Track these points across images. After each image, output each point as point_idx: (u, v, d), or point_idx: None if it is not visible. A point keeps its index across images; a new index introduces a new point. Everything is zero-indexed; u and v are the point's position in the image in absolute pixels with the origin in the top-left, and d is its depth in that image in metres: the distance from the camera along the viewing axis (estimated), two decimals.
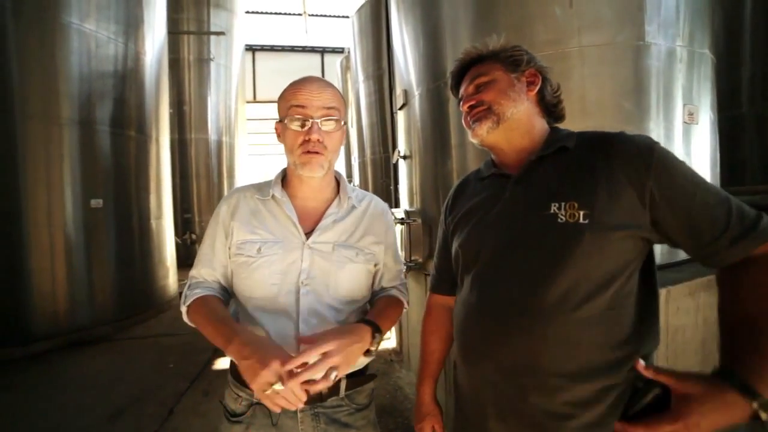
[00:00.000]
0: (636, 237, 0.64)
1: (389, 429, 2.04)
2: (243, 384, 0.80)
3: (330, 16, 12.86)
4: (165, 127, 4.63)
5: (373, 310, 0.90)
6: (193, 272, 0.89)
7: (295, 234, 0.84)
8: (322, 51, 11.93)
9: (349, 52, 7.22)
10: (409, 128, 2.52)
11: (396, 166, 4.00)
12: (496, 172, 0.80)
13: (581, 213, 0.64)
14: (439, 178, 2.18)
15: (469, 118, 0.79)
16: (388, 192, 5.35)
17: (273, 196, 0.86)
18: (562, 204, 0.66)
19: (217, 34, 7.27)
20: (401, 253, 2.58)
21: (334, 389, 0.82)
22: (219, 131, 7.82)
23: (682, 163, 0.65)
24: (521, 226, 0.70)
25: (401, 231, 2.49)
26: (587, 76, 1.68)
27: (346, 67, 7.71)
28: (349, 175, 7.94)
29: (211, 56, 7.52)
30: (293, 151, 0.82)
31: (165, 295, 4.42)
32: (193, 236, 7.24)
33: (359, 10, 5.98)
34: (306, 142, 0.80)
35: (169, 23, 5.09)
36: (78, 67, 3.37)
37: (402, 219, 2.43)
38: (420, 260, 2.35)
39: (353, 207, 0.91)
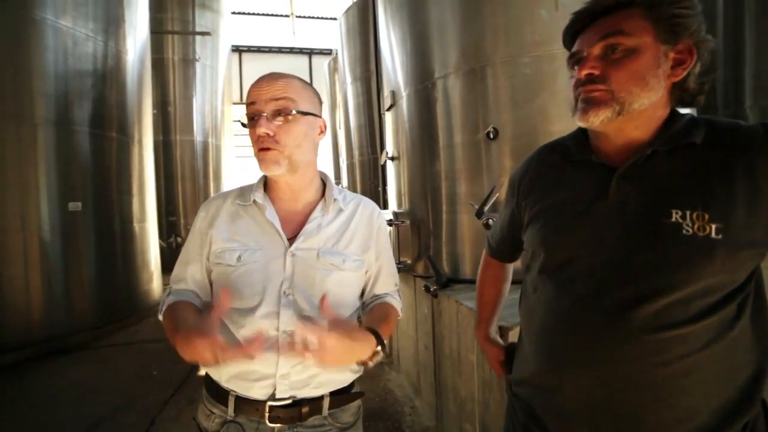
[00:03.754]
0: (764, 252, 0.56)
1: None
2: (217, 400, 0.78)
3: (317, 17, 12.83)
4: (148, 128, 4.52)
5: (372, 320, 0.83)
6: (171, 280, 0.87)
7: (277, 240, 0.79)
8: (310, 52, 11.89)
9: (336, 53, 7.21)
10: (396, 129, 2.52)
11: (384, 167, 3.99)
12: (594, 159, 0.65)
13: (713, 226, 0.53)
14: (427, 179, 2.18)
15: (580, 94, 0.61)
16: (376, 193, 5.34)
17: (254, 201, 0.82)
18: (688, 213, 0.54)
19: (203, 34, 7.16)
20: None
21: (316, 408, 0.77)
22: (205, 133, 7.70)
23: None
24: (633, 234, 0.58)
25: (390, 232, 2.48)
26: None
27: (333, 69, 7.69)
28: (338, 177, 7.90)
29: (197, 57, 7.40)
30: (254, 148, 0.77)
31: (149, 300, 4.30)
32: (179, 239, 7.07)
33: (347, 11, 5.97)
34: (258, 139, 0.75)
35: (153, 22, 4.98)
36: (53, 65, 3.25)
37: (390, 220, 2.42)
38: (409, 262, 2.34)
39: (340, 210, 0.85)
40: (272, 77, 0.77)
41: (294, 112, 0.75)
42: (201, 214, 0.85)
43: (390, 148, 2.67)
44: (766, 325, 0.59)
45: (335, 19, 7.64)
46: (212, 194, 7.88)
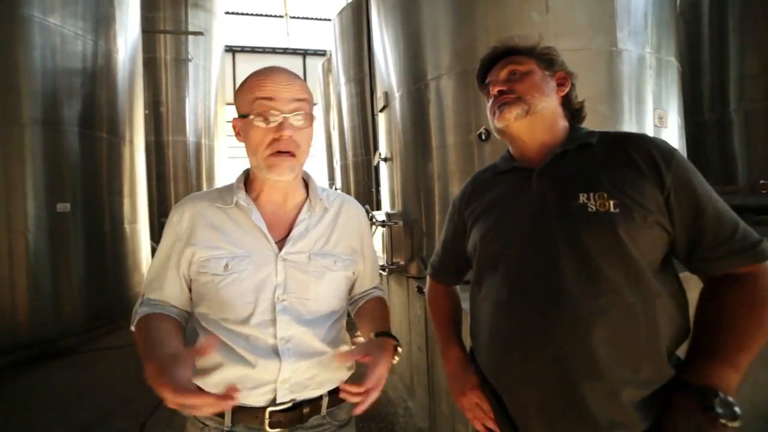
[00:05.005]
0: (660, 226, 0.66)
1: None
2: (210, 412, 0.76)
3: (311, 18, 12.80)
4: (139, 128, 4.47)
5: (374, 318, 0.85)
6: (143, 289, 0.80)
7: (266, 245, 0.75)
8: (304, 53, 11.85)
9: (330, 54, 7.20)
10: (389, 130, 2.52)
11: (377, 168, 3.99)
12: (517, 165, 0.80)
13: (611, 202, 0.65)
14: (420, 180, 2.18)
15: (496, 103, 0.79)
16: (369, 194, 5.34)
17: (237, 204, 0.77)
18: (591, 195, 0.67)
19: (196, 34, 7.11)
20: (382, 256, 2.57)
21: (315, 408, 0.77)
22: (197, 133, 7.62)
23: (698, 173, 0.69)
24: (550, 218, 0.70)
25: (383, 234, 2.48)
26: None
27: (327, 70, 7.68)
28: (331, 178, 7.88)
29: (189, 57, 7.33)
30: (258, 152, 0.72)
31: None
32: None
33: (340, 12, 5.97)
34: (275, 141, 0.71)
35: (144, 22, 4.93)
36: (41, 64, 3.20)
37: (383, 221, 2.42)
38: (402, 263, 2.34)
39: (325, 209, 0.83)
40: (289, 75, 0.73)
41: (313, 118, 0.76)
42: (173, 218, 0.77)
43: (383, 149, 2.67)
44: (683, 307, 0.68)
45: (329, 20, 7.64)
46: None
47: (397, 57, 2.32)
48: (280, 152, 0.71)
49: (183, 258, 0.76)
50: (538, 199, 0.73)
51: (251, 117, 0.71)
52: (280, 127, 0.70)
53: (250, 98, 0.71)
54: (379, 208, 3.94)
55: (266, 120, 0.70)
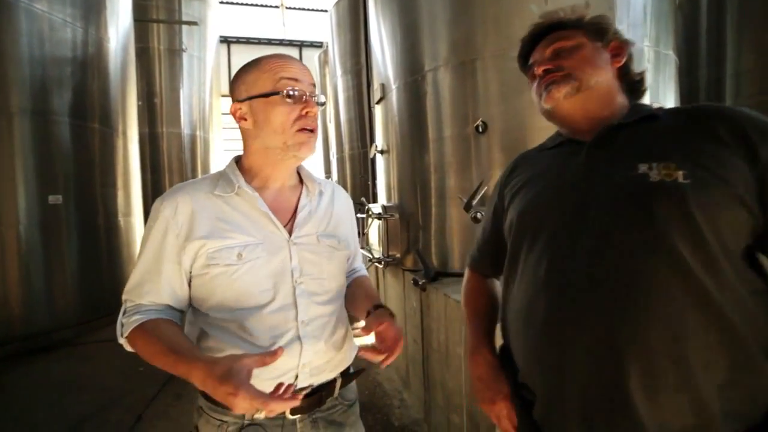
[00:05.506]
0: (745, 207, 0.54)
1: (368, 425, 2.03)
2: (228, 407, 0.75)
3: (308, 9, 12.63)
4: (133, 119, 4.41)
5: (369, 295, 0.89)
6: (127, 295, 0.74)
7: (275, 231, 0.75)
8: (300, 45, 11.71)
9: (327, 46, 7.11)
10: (386, 123, 2.50)
11: (374, 161, 3.98)
12: (567, 138, 0.72)
13: (681, 173, 0.55)
14: (417, 172, 2.17)
15: (542, 83, 0.70)
16: (366, 187, 5.32)
17: (238, 191, 0.75)
18: (654, 164, 0.57)
19: (190, 23, 6.98)
20: (378, 248, 2.56)
21: (330, 391, 0.80)
22: (192, 125, 7.53)
23: None
24: (601, 191, 0.60)
25: (379, 226, 2.48)
26: None
27: (324, 62, 7.60)
28: (328, 171, 7.85)
29: (184, 47, 7.21)
30: (286, 129, 0.71)
31: None
32: None
33: (337, 3, 5.89)
34: (301, 117, 0.72)
35: (137, 10, 4.83)
36: (29, 52, 3.11)
37: (379, 214, 2.42)
38: (398, 255, 2.35)
39: (321, 194, 0.86)
40: (301, 63, 0.76)
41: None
42: (165, 212, 0.72)
43: (379, 141, 2.65)
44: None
45: (326, 11, 7.53)
46: None
47: (394, 48, 2.29)
48: (305, 129, 0.73)
49: (185, 253, 0.72)
50: (587, 171, 0.64)
51: (281, 94, 0.71)
52: (307, 104, 0.72)
53: (274, 78, 0.72)
54: (375, 200, 3.94)
55: (293, 98, 0.72)
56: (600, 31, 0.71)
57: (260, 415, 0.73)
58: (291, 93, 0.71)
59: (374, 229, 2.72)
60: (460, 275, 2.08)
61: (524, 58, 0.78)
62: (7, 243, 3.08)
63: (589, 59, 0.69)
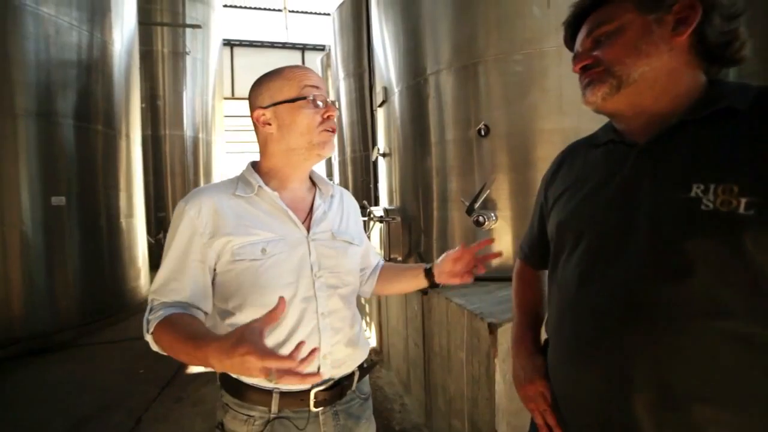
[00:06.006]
0: None
1: None
2: (255, 403, 0.77)
3: (310, 12, 12.70)
4: (136, 121, 4.43)
5: (408, 267, 1.01)
6: (153, 294, 0.76)
7: (294, 229, 0.81)
8: (303, 48, 11.76)
9: (329, 49, 7.14)
10: (388, 126, 2.50)
11: (376, 164, 3.97)
12: (615, 138, 0.62)
13: (743, 201, 0.45)
14: (419, 175, 2.17)
15: (582, 82, 0.62)
16: (368, 190, 5.32)
17: (258, 191, 0.80)
18: (711, 186, 0.47)
19: (193, 26, 7.03)
20: (380, 251, 2.56)
21: (349, 384, 0.84)
22: (195, 127, 7.58)
23: None
24: (643, 209, 0.53)
25: (380, 229, 2.47)
26: (564, 75, 1.71)
27: (326, 65, 7.62)
28: (330, 174, 7.86)
29: (187, 50, 7.27)
30: (311, 130, 0.79)
31: (136, 296, 4.24)
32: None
33: (340, 6, 5.92)
34: (325, 120, 0.80)
35: (141, 13, 4.87)
36: (35, 54, 3.14)
37: (381, 217, 2.41)
38: (399, 259, 2.34)
39: (332, 195, 0.92)
40: (317, 73, 0.85)
41: None
42: (190, 212, 0.75)
43: (382, 144, 2.65)
44: None
45: (328, 14, 7.58)
46: None
47: (397, 52, 2.30)
48: (327, 130, 0.80)
49: (211, 249, 0.75)
50: (632, 184, 0.55)
51: (308, 99, 0.78)
52: (328, 108, 0.80)
53: (298, 85, 0.79)
54: (377, 203, 3.93)
55: (315, 103, 0.79)
56: None
57: (284, 413, 0.77)
58: (315, 98, 0.79)
59: (376, 232, 2.71)
60: None
61: (572, 41, 0.67)
62: (9, 244, 3.09)
63: (633, 45, 0.55)
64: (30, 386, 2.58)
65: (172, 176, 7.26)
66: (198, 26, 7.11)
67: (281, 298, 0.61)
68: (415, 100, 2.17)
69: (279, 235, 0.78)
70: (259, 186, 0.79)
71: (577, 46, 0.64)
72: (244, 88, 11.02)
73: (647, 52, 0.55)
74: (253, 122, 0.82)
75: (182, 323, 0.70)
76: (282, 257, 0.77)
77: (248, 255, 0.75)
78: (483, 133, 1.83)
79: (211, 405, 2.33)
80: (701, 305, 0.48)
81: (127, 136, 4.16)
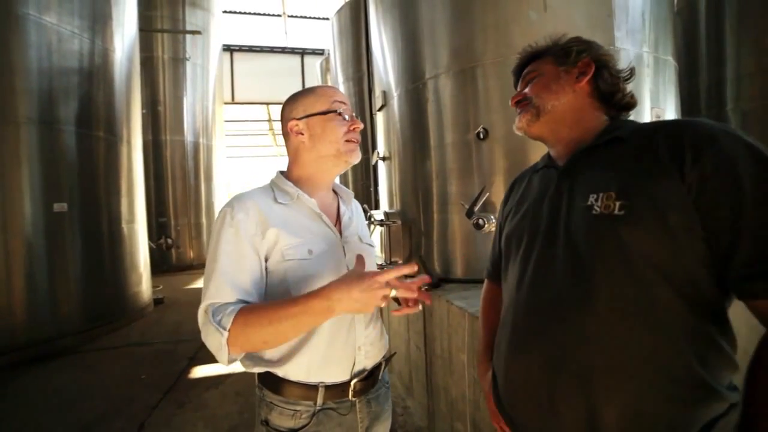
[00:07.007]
0: (689, 231, 0.54)
1: None
2: (300, 398, 0.82)
3: (310, 17, 12.78)
4: (137, 127, 4.46)
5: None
6: (210, 299, 0.75)
7: (329, 232, 0.89)
8: (302, 52, 11.82)
9: (328, 53, 7.18)
10: (388, 130, 2.52)
11: (375, 167, 3.99)
12: (547, 164, 0.79)
13: (617, 204, 0.58)
14: (419, 179, 2.18)
15: (517, 112, 0.81)
16: (368, 194, 5.33)
17: (298, 198, 0.88)
18: (600, 195, 0.61)
19: (193, 32, 7.08)
20: (380, 255, 2.56)
21: (378, 374, 0.90)
22: (195, 133, 7.61)
23: (764, 167, 0.52)
24: (559, 220, 0.67)
25: (381, 233, 2.48)
26: None
27: (326, 69, 7.66)
28: None
29: (187, 56, 7.32)
30: (339, 139, 0.88)
31: (138, 302, 4.24)
32: (169, 241, 6.97)
33: (339, 11, 5.96)
34: (351, 131, 0.89)
35: (142, 20, 4.91)
36: (37, 62, 3.18)
37: (381, 221, 2.42)
38: (400, 262, 2.34)
39: (349, 203, 1.01)
40: (342, 92, 0.96)
41: None
42: (239, 215, 0.79)
43: (381, 148, 2.66)
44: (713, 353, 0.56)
45: (327, 19, 7.62)
46: (203, 195, 7.81)
47: (396, 56, 2.32)
48: (352, 141, 0.90)
49: (264, 241, 0.80)
50: (555, 200, 0.70)
51: (339, 111, 0.88)
52: (354, 121, 0.90)
53: (329, 100, 0.89)
54: (377, 207, 3.94)
55: (343, 116, 0.89)
56: (565, 52, 0.75)
57: (327, 405, 0.84)
58: (343, 112, 0.89)
59: (376, 235, 2.72)
60: (463, 282, 2.06)
61: (516, 85, 0.87)
62: (12, 250, 3.10)
63: (546, 84, 0.75)
64: (32, 393, 2.58)
65: (173, 181, 7.28)
66: (198, 32, 7.15)
67: (359, 256, 0.76)
68: (414, 104, 2.19)
69: (319, 237, 0.87)
70: (298, 195, 0.87)
71: (517, 89, 0.84)
72: (243, 92, 11.06)
73: (556, 90, 0.74)
74: (286, 133, 0.91)
75: (262, 305, 0.74)
76: (325, 257, 0.85)
77: (297, 255, 0.81)
78: (482, 136, 1.85)
79: (212, 410, 2.33)
80: (603, 293, 0.59)
81: (128, 141, 4.18)
